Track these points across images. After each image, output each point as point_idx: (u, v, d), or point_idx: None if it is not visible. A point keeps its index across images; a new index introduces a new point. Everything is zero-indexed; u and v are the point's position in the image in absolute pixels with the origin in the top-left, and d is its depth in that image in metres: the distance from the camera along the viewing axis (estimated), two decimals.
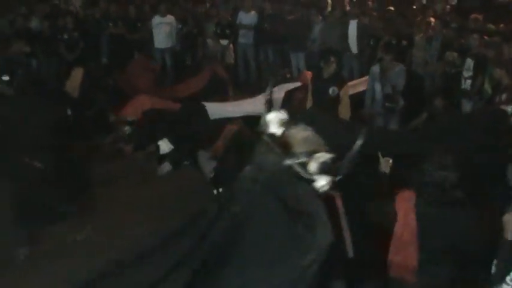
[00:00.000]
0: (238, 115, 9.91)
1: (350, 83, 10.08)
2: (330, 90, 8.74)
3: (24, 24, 14.09)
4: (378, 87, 9.85)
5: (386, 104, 9.79)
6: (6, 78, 10.67)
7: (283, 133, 4.16)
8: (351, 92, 9.56)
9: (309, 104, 9.05)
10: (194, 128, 10.03)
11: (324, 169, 4.00)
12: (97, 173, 9.20)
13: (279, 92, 10.41)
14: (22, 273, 6.73)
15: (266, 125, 4.27)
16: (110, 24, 14.38)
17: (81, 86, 11.47)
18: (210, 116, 10.14)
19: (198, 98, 11.52)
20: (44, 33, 13.97)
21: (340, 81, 9.07)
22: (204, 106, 10.37)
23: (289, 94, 9.86)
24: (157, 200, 8.35)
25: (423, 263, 4.90)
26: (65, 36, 13.66)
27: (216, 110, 10.19)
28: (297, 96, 9.68)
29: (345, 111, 8.91)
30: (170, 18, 14.34)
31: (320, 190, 4.03)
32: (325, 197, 4.16)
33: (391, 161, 5.52)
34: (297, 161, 4.02)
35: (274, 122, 4.27)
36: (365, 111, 10.08)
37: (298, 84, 10.71)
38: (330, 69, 8.95)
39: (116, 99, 11.50)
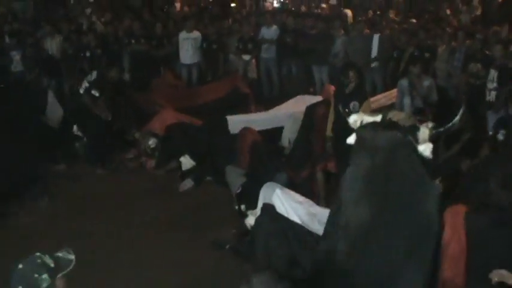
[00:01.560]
0: (260, 128, 9.92)
1: (372, 99, 9.95)
2: (351, 105, 8.58)
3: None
4: (407, 100, 9.73)
5: (417, 118, 9.65)
6: None
7: (383, 118, 4.63)
8: (374, 106, 9.42)
9: (331, 118, 8.96)
10: (217, 143, 10.04)
11: (433, 134, 4.58)
12: None
13: (299, 106, 10.37)
14: None
15: (355, 122, 4.72)
16: (133, 41, 14.45)
17: None
18: (231, 130, 10.15)
19: (220, 111, 11.54)
20: (67, 51, 14.13)
21: (362, 96, 8.89)
22: (225, 120, 10.38)
23: (310, 109, 9.76)
24: None
25: (471, 282, 4.80)
26: (88, 54, 13.77)
27: (237, 123, 10.19)
28: (319, 111, 9.56)
29: None
30: (196, 33, 14.43)
31: (426, 156, 4.52)
32: None
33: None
34: (409, 131, 4.53)
35: (361, 118, 4.76)
36: None
37: (318, 98, 10.62)
38: (351, 83, 8.84)
39: (139, 114, 11.57)
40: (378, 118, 4.65)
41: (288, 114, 10.48)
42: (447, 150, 9.69)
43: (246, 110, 11.90)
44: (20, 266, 3.62)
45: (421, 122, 9.21)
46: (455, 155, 9.50)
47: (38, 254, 3.68)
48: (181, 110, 11.38)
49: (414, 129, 4.55)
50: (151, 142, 10.60)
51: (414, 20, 14.32)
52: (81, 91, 10.72)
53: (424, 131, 4.55)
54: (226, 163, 9.30)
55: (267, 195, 6.93)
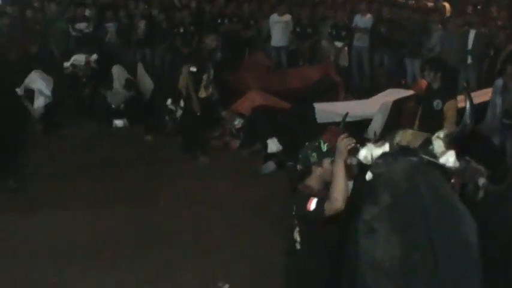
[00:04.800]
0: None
1: (460, 98, 9.55)
2: (434, 103, 8.26)
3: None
4: (499, 101, 9.39)
5: (503, 120, 9.31)
6: None
7: (391, 145, 4.34)
8: (460, 105, 8.97)
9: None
10: (302, 129, 9.96)
11: (448, 141, 4.24)
12: None
13: (389, 99, 10.17)
14: None
15: (366, 158, 4.43)
16: (226, 20, 14.54)
17: None
18: (317, 119, 10.04)
19: (309, 97, 11.46)
20: (161, 24, 14.33)
21: (448, 94, 8.40)
22: (313, 108, 10.27)
23: (398, 103, 9.55)
24: None
25: None
26: (181, 30, 13.91)
27: (324, 113, 10.07)
28: (407, 106, 9.35)
29: (448, 127, 8.16)
30: (287, 17, 14.43)
31: (453, 167, 4.24)
32: None
33: None
34: (423, 151, 4.23)
35: (370, 151, 4.42)
36: (483, 126, 9.60)
37: (410, 92, 10.37)
38: (434, 79, 8.48)
39: (227, 94, 11.62)
40: (386, 147, 4.35)
41: (377, 106, 10.28)
42: None
43: (335, 98, 11.81)
44: (307, 143, 4.93)
45: (507, 126, 8.98)
46: None
47: (320, 139, 4.91)
48: (270, 92, 11.37)
49: (427, 146, 4.23)
50: (237, 122, 10.67)
51: None
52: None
53: (438, 143, 4.23)
54: None
55: None
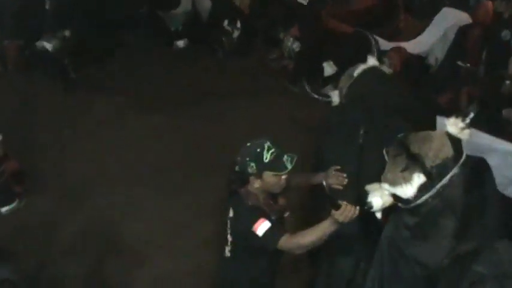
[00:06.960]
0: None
1: None
2: (502, 34, 7.90)
3: None
4: None
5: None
6: None
7: (425, 168, 3.62)
8: None
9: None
10: (360, 57, 9.85)
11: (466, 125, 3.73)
12: None
13: (447, 22, 10.00)
14: None
15: (385, 204, 3.82)
16: None
17: None
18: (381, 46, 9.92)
19: (369, 20, 11.24)
20: None
21: None
22: (370, 40, 10.12)
23: (463, 30, 9.24)
24: None
25: None
26: None
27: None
28: (473, 33, 8.98)
29: None
30: None
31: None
32: None
33: None
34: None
35: (382, 192, 3.79)
36: None
37: (465, 16, 10.00)
38: (505, 9, 8.09)
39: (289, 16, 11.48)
40: (421, 178, 3.57)
41: (433, 35, 10.08)
42: None
43: (395, 22, 11.58)
44: (248, 144, 4.13)
45: None
46: None
47: (267, 144, 4.05)
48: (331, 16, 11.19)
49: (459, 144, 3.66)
50: (296, 46, 10.56)
51: None
52: None
53: (464, 134, 3.67)
54: None
55: None
